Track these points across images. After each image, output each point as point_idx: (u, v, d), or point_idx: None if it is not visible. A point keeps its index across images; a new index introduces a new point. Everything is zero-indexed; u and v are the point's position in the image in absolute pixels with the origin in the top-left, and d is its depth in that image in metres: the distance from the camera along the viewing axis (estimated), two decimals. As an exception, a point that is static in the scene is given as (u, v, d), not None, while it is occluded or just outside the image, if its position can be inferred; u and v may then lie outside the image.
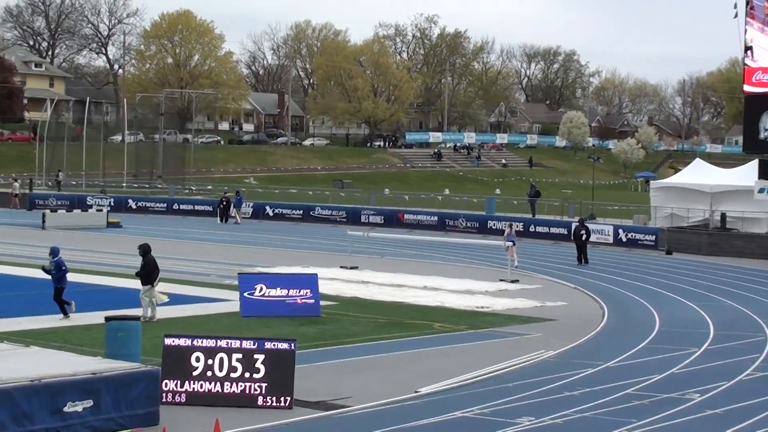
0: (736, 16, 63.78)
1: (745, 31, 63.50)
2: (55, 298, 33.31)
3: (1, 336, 28.13)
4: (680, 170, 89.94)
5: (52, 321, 33.34)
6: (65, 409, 20.55)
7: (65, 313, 33.18)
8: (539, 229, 75.08)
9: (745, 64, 64.60)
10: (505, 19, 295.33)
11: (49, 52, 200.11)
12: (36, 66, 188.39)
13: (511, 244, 54.17)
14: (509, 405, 24.27)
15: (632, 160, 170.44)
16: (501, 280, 47.95)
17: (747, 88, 64.64)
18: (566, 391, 25.92)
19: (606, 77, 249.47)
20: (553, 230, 72.56)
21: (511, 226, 63.48)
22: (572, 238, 59.99)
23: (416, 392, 25.46)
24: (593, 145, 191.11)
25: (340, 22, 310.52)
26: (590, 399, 25.02)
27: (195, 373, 23.78)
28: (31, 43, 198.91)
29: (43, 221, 74.30)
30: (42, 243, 58.87)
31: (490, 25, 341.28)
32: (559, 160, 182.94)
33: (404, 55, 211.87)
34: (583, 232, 58.76)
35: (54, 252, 34.23)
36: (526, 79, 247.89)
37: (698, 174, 76.74)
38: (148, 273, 34.51)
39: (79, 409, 20.72)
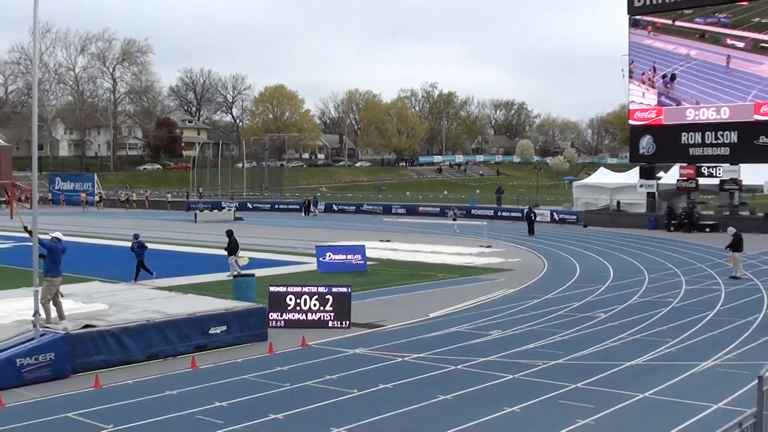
0: (623, 77, 63.74)
1: (629, 87, 63.59)
2: (139, 266, 32.61)
3: (169, 288, 28.36)
4: (591, 174, 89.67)
5: (198, 279, 33.52)
6: (209, 331, 20.74)
7: (151, 273, 32.44)
8: (503, 214, 75.01)
9: (629, 107, 64.60)
10: (480, 83, 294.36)
11: (197, 113, 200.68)
12: (188, 122, 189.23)
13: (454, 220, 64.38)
14: (485, 323, 24.28)
15: (561, 169, 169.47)
16: (480, 246, 47.87)
17: (631, 122, 64.87)
18: (521, 314, 25.91)
19: (544, 117, 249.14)
20: (513, 214, 72.33)
21: (455, 210, 75.15)
22: (524, 219, 59.78)
23: (428, 316, 25.53)
24: (537, 161, 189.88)
25: (376, 88, 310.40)
26: (536, 318, 25.03)
27: (289, 308, 23.86)
28: (186, 108, 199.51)
29: (195, 217, 74.61)
30: (195, 231, 59.30)
31: (471, 87, 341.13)
32: (516, 171, 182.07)
33: (417, 108, 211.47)
34: (532, 215, 58.76)
35: (136, 236, 33.80)
36: (494, 120, 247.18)
37: (602, 177, 77.31)
38: (232, 248, 34.49)
39: (218, 331, 20.90)
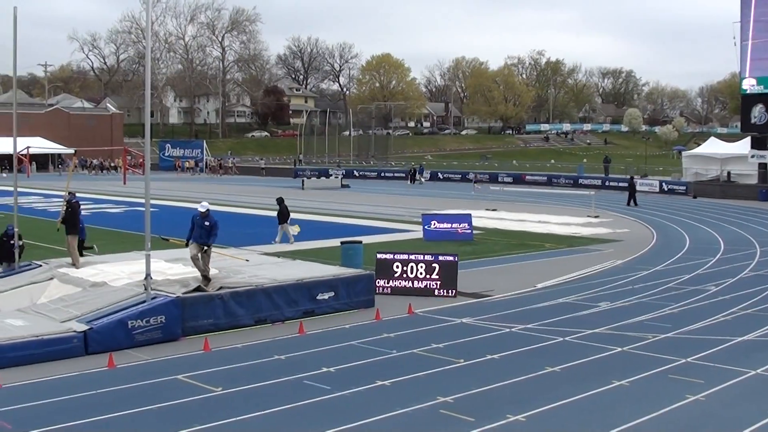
0: (735, 44, 62.05)
1: (740, 55, 62.01)
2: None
3: (278, 254, 28.58)
4: (701, 144, 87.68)
5: (306, 245, 33.62)
6: (317, 297, 20.87)
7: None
8: (611, 184, 73.76)
9: (741, 77, 63.06)
10: (588, 50, 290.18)
11: (304, 82, 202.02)
12: (296, 90, 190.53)
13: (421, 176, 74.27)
14: (593, 294, 23.91)
15: (670, 138, 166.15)
16: (587, 216, 47.22)
17: (742, 91, 63.22)
18: (629, 286, 25.45)
19: (652, 86, 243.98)
20: (621, 184, 71.01)
21: (477, 175, 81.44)
22: (628, 188, 58.74)
23: (535, 287, 25.26)
24: (645, 130, 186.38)
25: (483, 56, 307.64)
26: (645, 290, 24.56)
27: (395, 275, 23.86)
28: (293, 76, 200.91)
29: (302, 184, 75.19)
30: (303, 198, 59.76)
31: (578, 54, 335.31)
32: (623, 140, 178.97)
33: (524, 75, 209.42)
34: (634, 183, 57.96)
35: (280, 201, 34.82)
36: (602, 88, 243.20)
37: (712, 147, 75.22)
38: (283, 215, 34.48)
39: (326, 297, 21.01)
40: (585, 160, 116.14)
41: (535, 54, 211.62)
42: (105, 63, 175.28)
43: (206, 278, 19.88)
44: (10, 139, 26.70)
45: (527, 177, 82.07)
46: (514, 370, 15.73)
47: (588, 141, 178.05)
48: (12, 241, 23.68)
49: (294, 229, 34.48)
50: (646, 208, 53.88)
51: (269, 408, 13.56)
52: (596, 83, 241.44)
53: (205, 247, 20.04)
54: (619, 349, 17.46)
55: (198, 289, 19.24)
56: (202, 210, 20.06)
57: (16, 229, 23.72)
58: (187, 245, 20.31)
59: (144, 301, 18.30)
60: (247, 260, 22.94)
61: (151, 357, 16.98)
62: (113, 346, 17.20)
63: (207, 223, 19.89)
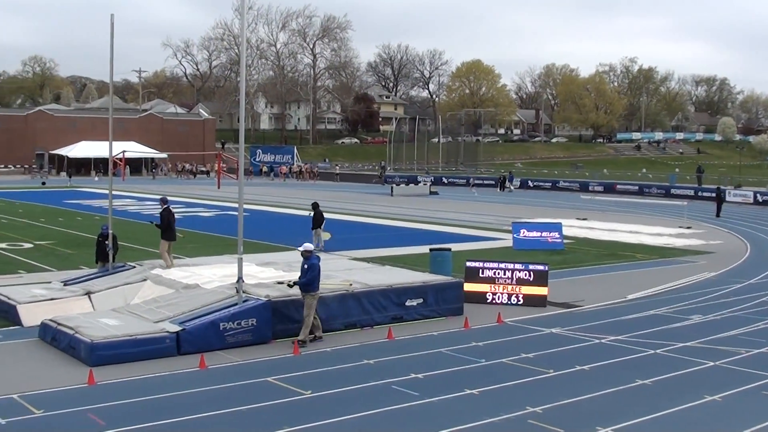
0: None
1: None
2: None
3: (367, 259, 28.70)
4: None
5: (395, 251, 33.78)
6: (406, 303, 20.91)
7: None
8: (704, 194, 72.45)
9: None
10: (682, 57, 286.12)
11: (394, 89, 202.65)
12: (386, 97, 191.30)
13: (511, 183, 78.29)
14: (685, 307, 23.53)
15: (765, 148, 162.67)
16: (680, 227, 46.46)
17: None
18: (722, 299, 24.98)
19: (747, 94, 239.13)
20: (714, 195, 69.85)
21: (473, 179, 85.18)
22: (715, 198, 57.38)
23: (625, 298, 24.96)
24: (739, 139, 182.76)
25: (574, 63, 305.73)
26: (738, 304, 24.08)
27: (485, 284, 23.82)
28: (383, 83, 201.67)
29: (392, 191, 75.38)
30: (392, 205, 59.96)
31: (671, 61, 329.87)
32: (716, 149, 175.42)
33: (615, 83, 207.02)
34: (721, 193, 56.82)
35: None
36: (695, 96, 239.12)
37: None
38: (317, 220, 34.11)
39: (414, 303, 21.04)
40: (677, 170, 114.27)
41: (627, 61, 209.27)
42: (197, 69, 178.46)
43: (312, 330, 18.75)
44: (106, 143, 27.32)
45: (618, 186, 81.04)
46: (604, 382, 15.56)
47: (680, 150, 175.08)
48: (107, 242, 24.31)
49: (325, 236, 34.13)
50: (739, 219, 52.80)
51: (358, 412, 13.65)
52: (689, 91, 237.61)
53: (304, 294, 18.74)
54: (712, 364, 17.15)
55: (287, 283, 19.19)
56: (300, 249, 19.21)
57: (110, 231, 24.26)
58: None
59: (236, 304, 18.56)
60: (351, 284, 20.90)
61: (242, 359, 17.19)
62: (205, 347, 17.50)
63: (305, 266, 18.74)
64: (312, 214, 34.49)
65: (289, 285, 19.00)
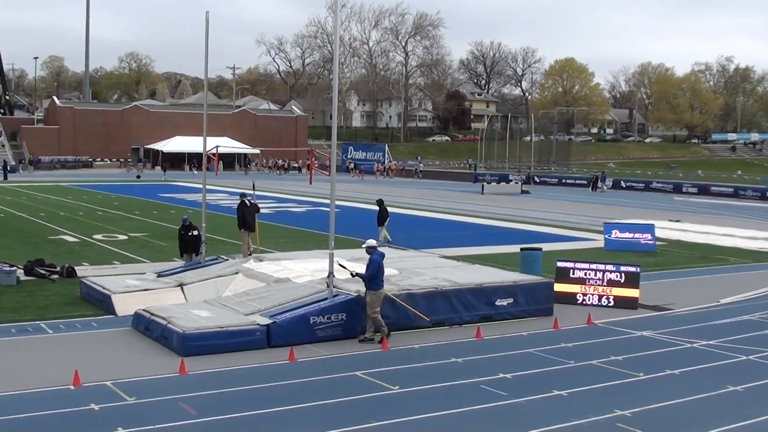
0: None
1: None
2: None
3: (457, 258, 28.69)
4: None
5: (485, 250, 33.63)
6: (496, 303, 20.87)
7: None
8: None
9: None
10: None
11: (486, 86, 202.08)
12: (477, 95, 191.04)
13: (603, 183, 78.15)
14: (781, 312, 23.16)
15: None
16: (776, 232, 45.53)
17: None
18: (820, 305, 24.52)
19: None
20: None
21: (603, 172, 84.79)
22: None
23: (718, 302, 24.56)
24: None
25: (669, 62, 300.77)
26: (838, 310, 23.60)
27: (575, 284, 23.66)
28: (475, 81, 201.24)
29: (482, 189, 75.20)
30: (482, 203, 59.77)
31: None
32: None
33: (711, 82, 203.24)
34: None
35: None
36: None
37: None
38: (382, 217, 34.29)
39: (504, 303, 20.98)
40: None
41: (723, 60, 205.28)
42: (291, 66, 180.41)
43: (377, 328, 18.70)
44: (200, 139, 27.85)
45: (712, 188, 79.64)
46: (695, 387, 15.35)
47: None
48: (190, 233, 25.10)
49: (386, 235, 34.15)
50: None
51: (445, 410, 13.68)
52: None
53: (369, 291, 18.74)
54: (808, 371, 16.81)
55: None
56: (363, 246, 19.79)
57: (203, 224, 24.77)
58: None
59: (326, 298, 18.75)
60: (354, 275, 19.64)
61: (331, 353, 17.37)
62: (294, 340, 17.72)
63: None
64: (379, 210, 34.78)
65: (352, 274, 19.28)
